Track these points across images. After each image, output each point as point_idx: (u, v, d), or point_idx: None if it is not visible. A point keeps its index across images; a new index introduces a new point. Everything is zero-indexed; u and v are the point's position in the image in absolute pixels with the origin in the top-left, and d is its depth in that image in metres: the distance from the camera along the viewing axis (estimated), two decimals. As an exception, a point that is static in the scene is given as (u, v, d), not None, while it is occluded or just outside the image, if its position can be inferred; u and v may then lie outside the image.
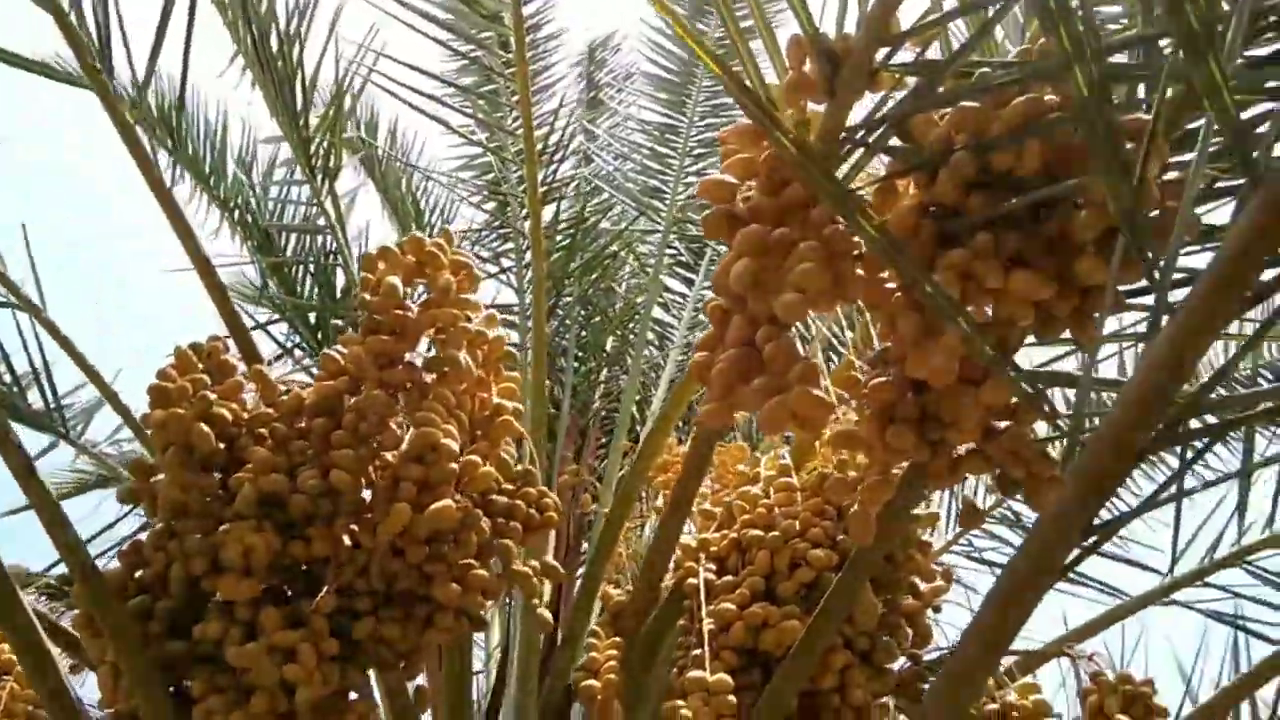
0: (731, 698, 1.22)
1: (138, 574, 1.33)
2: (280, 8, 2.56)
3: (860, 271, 0.92)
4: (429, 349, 1.44)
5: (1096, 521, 0.84)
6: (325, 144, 2.66)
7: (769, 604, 1.35)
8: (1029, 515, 2.93)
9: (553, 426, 3.12)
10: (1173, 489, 1.11)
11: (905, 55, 0.98)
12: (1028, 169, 0.83)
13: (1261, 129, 0.69)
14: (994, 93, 0.88)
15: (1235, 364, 0.69)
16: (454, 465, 1.31)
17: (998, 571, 2.67)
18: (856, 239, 0.94)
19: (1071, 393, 1.00)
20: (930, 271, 0.88)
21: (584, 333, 3.54)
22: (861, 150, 0.98)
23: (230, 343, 1.49)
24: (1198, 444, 0.79)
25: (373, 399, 1.32)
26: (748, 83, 0.92)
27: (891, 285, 0.92)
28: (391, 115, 4.48)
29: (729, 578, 1.42)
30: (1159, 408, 0.58)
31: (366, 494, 1.37)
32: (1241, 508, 1.92)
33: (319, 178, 2.66)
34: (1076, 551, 0.76)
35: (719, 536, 1.50)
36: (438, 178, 3.64)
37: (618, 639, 1.39)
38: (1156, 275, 0.60)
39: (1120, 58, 0.89)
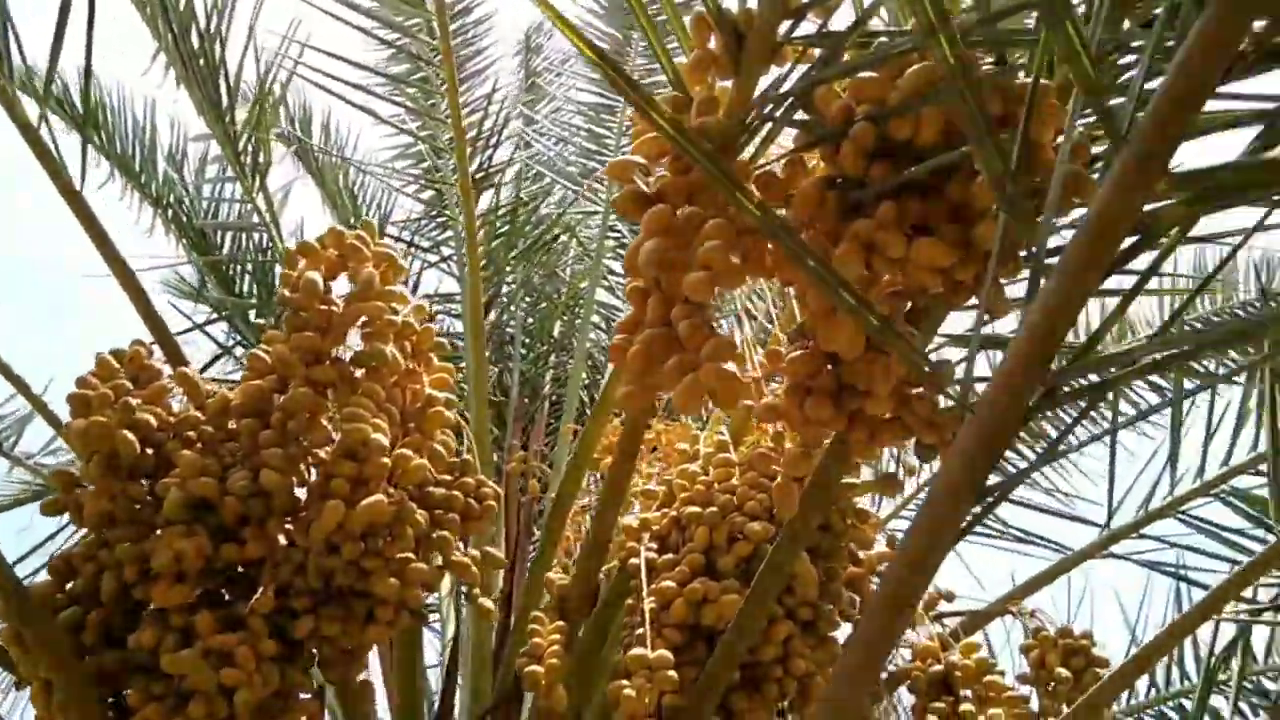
0: (672, 673, 1.23)
1: (69, 586, 1.31)
2: (199, 4, 2.51)
3: (770, 247, 0.93)
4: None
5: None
6: (253, 140, 2.62)
7: (709, 579, 1.36)
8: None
9: (503, 413, 3.12)
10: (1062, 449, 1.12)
11: (809, 27, 0.98)
12: (926, 138, 0.84)
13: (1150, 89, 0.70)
14: (894, 61, 0.88)
15: (1112, 322, 0.70)
16: (385, 460, 1.30)
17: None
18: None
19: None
20: (837, 243, 0.88)
21: (530, 319, 3.52)
22: (769, 125, 0.99)
23: (156, 347, 1.47)
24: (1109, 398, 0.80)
25: (299, 397, 1.31)
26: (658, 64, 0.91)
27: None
28: (325, 108, 4.42)
29: (670, 556, 1.43)
30: (1041, 367, 0.59)
31: (301, 493, 1.37)
32: (1173, 459, 1.97)
33: (249, 174, 2.61)
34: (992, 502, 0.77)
35: (660, 515, 1.50)
36: (372, 170, 3.60)
37: (561, 623, 1.40)
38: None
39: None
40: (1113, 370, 0.62)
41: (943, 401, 0.93)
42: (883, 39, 0.91)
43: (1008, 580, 2.29)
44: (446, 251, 3.40)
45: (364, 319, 1.37)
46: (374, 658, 2.09)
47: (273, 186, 3.07)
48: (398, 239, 3.75)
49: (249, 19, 2.52)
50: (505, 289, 3.60)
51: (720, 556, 1.38)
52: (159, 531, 1.29)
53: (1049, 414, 3.05)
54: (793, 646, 1.37)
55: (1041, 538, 2.23)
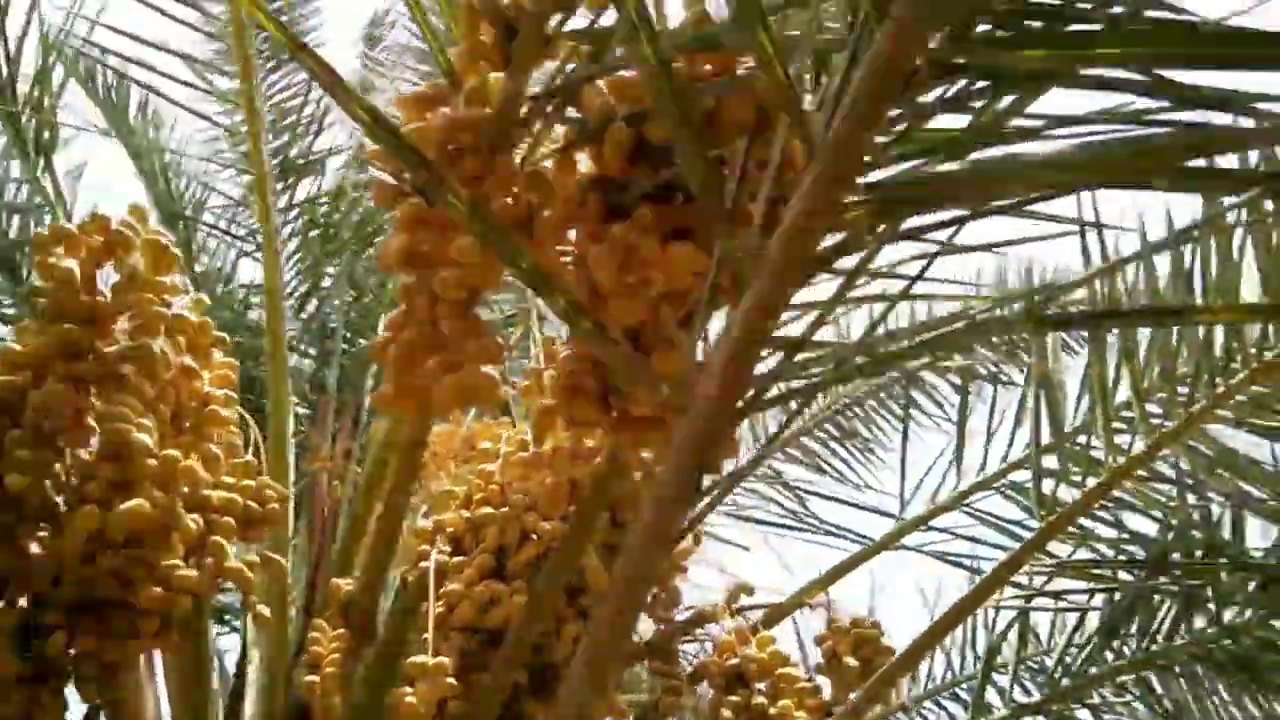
0: (451, 679, 1.21)
1: None
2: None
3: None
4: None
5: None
6: (36, 119, 2.44)
7: (499, 581, 1.34)
8: (790, 474, 3.08)
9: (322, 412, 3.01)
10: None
11: (584, 22, 0.97)
12: (682, 140, 0.84)
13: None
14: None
15: (814, 330, 0.73)
16: (151, 461, 1.22)
17: (763, 530, 2.79)
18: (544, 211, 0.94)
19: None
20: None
21: (352, 313, 3.42)
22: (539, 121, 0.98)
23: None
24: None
25: (54, 394, 1.21)
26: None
27: (566, 259, 0.92)
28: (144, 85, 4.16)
29: (462, 558, 1.40)
30: (746, 371, 0.60)
31: (62, 500, 1.27)
32: (959, 454, 2.08)
33: (33, 153, 2.43)
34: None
35: (456, 517, 1.48)
36: (182, 153, 3.40)
37: (342, 631, 1.35)
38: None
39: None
40: (816, 375, 0.64)
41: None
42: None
43: (816, 572, 2.37)
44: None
45: (130, 311, 1.29)
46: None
47: (69, 166, 2.89)
48: (213, 226, 3.57)
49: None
50: (329, 280, 3.48)
51: (511, 557, 1.36)
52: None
53: (858, 410, 3.18)
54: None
55: (848, 530, 2.32)
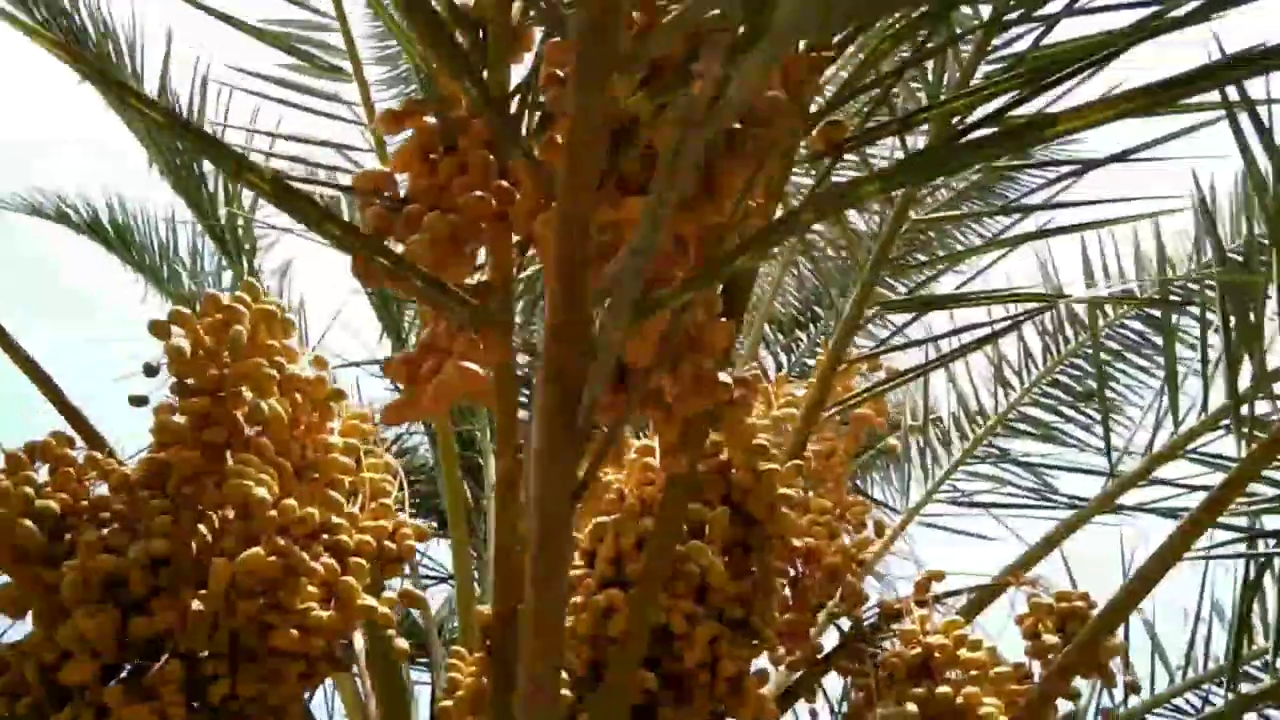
0: (566, 693, 1.18)
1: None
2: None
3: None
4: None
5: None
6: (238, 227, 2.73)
7: (619, 589, 1.31)
8: (1016, 449, 2.82)
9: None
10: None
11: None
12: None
13: None
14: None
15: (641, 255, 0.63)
16: (272, 513, 1.30)
17: (993, 512, 2.56)
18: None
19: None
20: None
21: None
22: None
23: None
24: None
25: (184, 461, 1.32)
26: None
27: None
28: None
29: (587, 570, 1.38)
30: (577, 302, 0.53)
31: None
32: (1174, 396, 1.81)
33: (236, 258, 2.72)
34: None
35: (584, 533, 1.46)
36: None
37: (479, 655, 1.36)
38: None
39: None
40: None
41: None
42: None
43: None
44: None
45: (246, 375, 1.38)
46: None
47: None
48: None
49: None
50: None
51: (630, 564, 1.33)
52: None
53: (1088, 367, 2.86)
54: (719, 648, 1.30)
55: (1051, 496, 2.08)
